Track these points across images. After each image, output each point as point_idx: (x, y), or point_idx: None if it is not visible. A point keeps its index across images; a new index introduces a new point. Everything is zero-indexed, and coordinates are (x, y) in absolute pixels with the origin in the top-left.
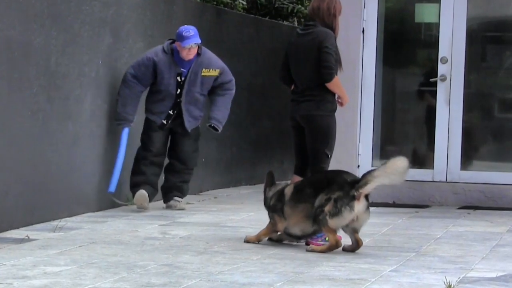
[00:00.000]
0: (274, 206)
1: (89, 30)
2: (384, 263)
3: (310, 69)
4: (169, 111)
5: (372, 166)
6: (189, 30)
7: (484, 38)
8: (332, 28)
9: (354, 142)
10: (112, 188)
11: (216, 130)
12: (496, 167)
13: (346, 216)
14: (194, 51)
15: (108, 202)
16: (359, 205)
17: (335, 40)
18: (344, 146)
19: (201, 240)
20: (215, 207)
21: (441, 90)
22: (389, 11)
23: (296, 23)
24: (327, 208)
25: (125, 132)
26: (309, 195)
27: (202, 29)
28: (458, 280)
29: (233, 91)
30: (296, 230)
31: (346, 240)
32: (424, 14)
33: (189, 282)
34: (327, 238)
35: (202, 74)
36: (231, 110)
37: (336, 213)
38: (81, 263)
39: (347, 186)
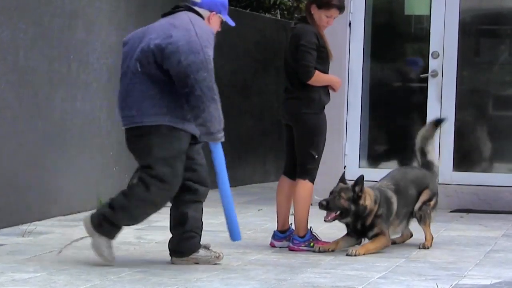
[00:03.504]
0: (386, 217)
1: (60, 23)
2: (372, 270)
3: (293, 67)
4: None
5: (359, 167)
6: None
7: (477, 31)
8: (311, 20)
9: (340, 141)
10: (238, 235)
11: None
12: (491, 168)
13: None
14: None
15: (79, 205)
16: None
17: (317, 35)
18: (330, 146)
19: None
20: None
21: (432, 87)
22: (377, 3)
23: (278, 16)
24: (432, 203)
25: (221, 149)
26: (413, 195)
27: None
28: None
29: None
30: (392, 233)
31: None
32: (414, 6)
33: None
34: (312, 244)
35: None
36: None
37: (436, 206)
38: (51, 270)
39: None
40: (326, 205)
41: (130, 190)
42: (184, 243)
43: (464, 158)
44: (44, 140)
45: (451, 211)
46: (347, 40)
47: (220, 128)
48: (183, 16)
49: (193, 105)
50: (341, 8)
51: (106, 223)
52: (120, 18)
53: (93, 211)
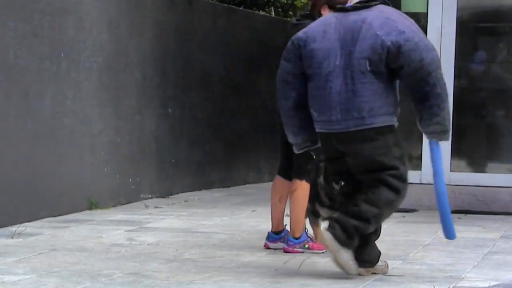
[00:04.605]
0: None
1: (50, 21)
2: None
3: None
4: None
5: None
6: None
7: (476, 29)
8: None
9: None
10: (453, 233)
11: None
12: (489, 168)
13: None
14: None
15: (70, 206)
16: None
17: None
18: None
19: (171, 247)
20: (186, 211)
21: None
22: None
23: (273, 13)
24: None
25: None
26: None
27: (172, 20)
28: None
29: None
30: None
31: None
32: (411, 3)
33: None
34: (306, 246)
35: None
36: (203, 106)
37: None
38: (41, 272)
39: None
40: None
41: (376, 196)
42: (374, 251)
43: (462, 158)
44: (34, 139)
45: None
46: None
47: (451, 126)
48: (390, 10)
49: (431, 104)
50: None
51: (355, 236)
52: (111, 15)
53: (329, 226)
